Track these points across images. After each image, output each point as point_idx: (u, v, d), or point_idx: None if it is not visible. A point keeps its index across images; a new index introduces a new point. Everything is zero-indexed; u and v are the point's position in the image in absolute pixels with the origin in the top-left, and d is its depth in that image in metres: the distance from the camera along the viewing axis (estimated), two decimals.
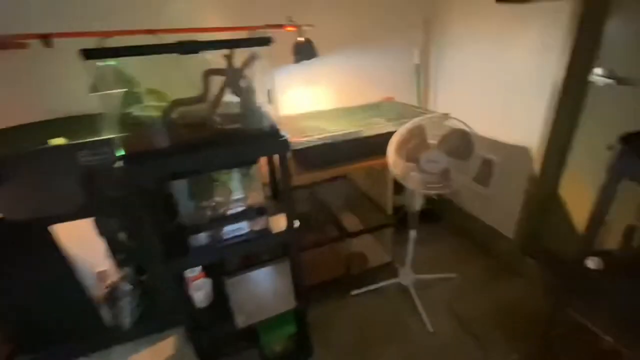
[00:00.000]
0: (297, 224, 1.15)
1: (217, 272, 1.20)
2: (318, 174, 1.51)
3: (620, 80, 1.27)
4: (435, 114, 1.54)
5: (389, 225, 1.81)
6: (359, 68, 1.96)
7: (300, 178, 1.45)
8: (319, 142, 1.39)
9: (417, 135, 1.29)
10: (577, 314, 1.10)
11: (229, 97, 1.02)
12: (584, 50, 1.34)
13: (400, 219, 1.84)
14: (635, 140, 0.92)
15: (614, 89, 1.29)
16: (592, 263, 1.00)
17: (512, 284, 1.78)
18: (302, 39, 1.52)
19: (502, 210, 1.87)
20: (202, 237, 1.05)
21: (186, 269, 1.14)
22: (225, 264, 1.25)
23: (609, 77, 1.28)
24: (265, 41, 0.90)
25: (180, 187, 0.99)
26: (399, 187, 1.62)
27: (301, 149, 1.37)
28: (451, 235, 2.19)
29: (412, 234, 1.65)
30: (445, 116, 1.39)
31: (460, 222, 2.20)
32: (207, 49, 0.95)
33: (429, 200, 2.20)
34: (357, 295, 1.78)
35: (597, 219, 1.00)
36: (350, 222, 1.95)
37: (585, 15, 1.28)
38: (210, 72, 0.99)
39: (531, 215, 1.72)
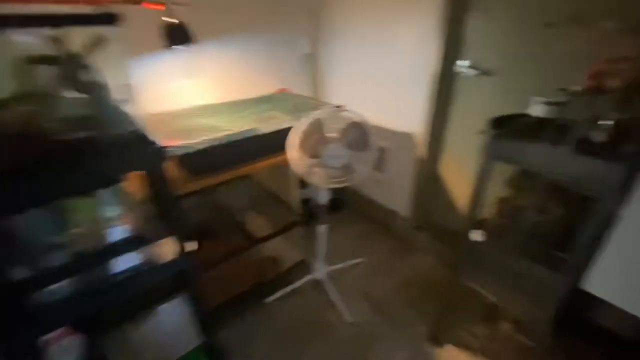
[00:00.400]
0: (192, 246, 0.96)
1: (93, 325, 0.92)
2: (214, 178, 1.31)
3: (483, 72, 1.46)
4: (331, 106, 1.52)
5: (298, 223, 1.75)
6: (247, 57, 1.79)
7: (193, 185, 1.24)
8: (210, 144, 1.19)
9: (316, 130, 1.23)
10: (468, 279, 1.24)
11: (73, 95, 0.75)
12: (452, 44, 1.49)
13: (309, 214, 1.80)
14: (501, 125, 1.05)
15: (479, 80, 1.49)
16: (476, 235, 1.13)
17: (413, 259, 1.95)
18: (172, 20, 1.27)
19: (397, 193, 2.02)
20: (56, 289, 0.77)
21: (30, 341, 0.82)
22: (102, 313, 0.97)
23: (473, 68, 1.46)
24: (109, 19, 0.66)
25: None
26: (304, 181, 1.56)
27: (189, 153, 1.15)
28: (355, 221, 2.28)
29: (322, 228, 1.63)
30: (341, 108, 1.37)
31: (362, 207, 2.30)
32: (22, 27, 0.67)
33: (333, 190, 2.22)
34: (272, 302, 1.68)
35: (477, 195, 1.12)
36: (258, 224, 1.81)
37: (450, 10, 1.42)
38: (33, 60, 0.70)
39: (420, 195, 1.90)
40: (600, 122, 0.87)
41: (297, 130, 1.20)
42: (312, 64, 2.02)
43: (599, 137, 0.88)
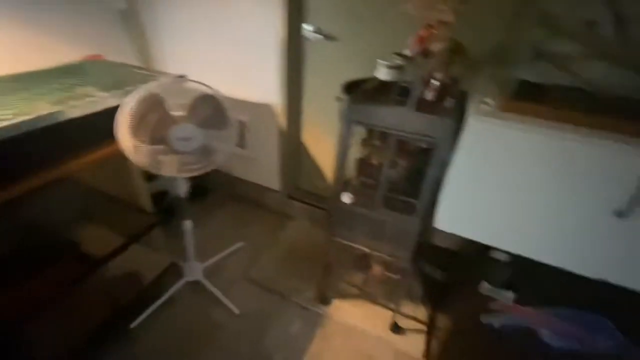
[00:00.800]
0: None
1: None
2: (10, 189, 0.89)
3: (328, 36, 1.47)
4: (170, 77, 1.24)
5: (154, 224, 1.45)
6: (35, 13, 1.25)
7: None
8: None
9: (154, 108, 0.98)
10: (341, 237, 1.31)
11: None
12: (294, 7, 1.42)
13: (166, 210, 1.52)
14: (353, 90, 1.08)
15: (326, 45, 1.49)
16: (346, 198, 1.18)
17: (291, 229, 1.96)
18: None
19: (264, 167, 1.94)
20: None
21: None
22: None
23: (318, 33, 1.45)
24: None
25: None
26: (152, 173, 1.26)
27: None
28: (225, 205, 2.11)
29: (187, 224, 1.40)
30: (182, 79, 1.13)
31: (230, 188, 2.13)
32: None
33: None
34: (141, 323, 1.39)
35: (340, 160, 1.16)
36: (99, 238, 1.41)
37: None
38: None
39: (288, 166, 1.89)
40: (431, 82, 1.00)
41: (125, 110, 0.92)
42: (132, 23, 1.60)
43: (430, 95, 1.01)
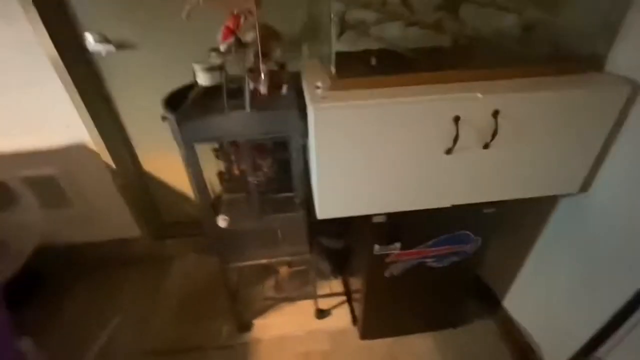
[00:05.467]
0: None
1: None
2: None
3: (120, 45, 1.19)
4: None
5: None
6: None
7: None
8: None
9: None
10: (232, 260, 1.20)
11: None
12: (55, 16, 1.08)
13: None
14: (177, 103, 0.91)
15: (125, 56, 1.21)
16: (222, 222, 1.05)
17: (173, 271, 1.69)
18: None
19: (108, 217, 1.55)
20: None
21: None
22: None
23: (106, 43, 1.15)
24: None
25: None
26: None
27: None
28: (78, 281, 1.64)
29: (27, 342, 1.01)
30: None
31: (76, 259, 1.65)
32: None
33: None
34: None
35: (198, 185, 1.00)
36: None
37: None
38: None
39: (138, 204, 1.57)
40: (260, 74, 0.92)
41: None
42: None
43: (263, 89, 0.95)
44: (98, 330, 1.41)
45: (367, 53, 0.93)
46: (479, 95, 0.73)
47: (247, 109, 0.85)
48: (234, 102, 0.89)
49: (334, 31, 0.77)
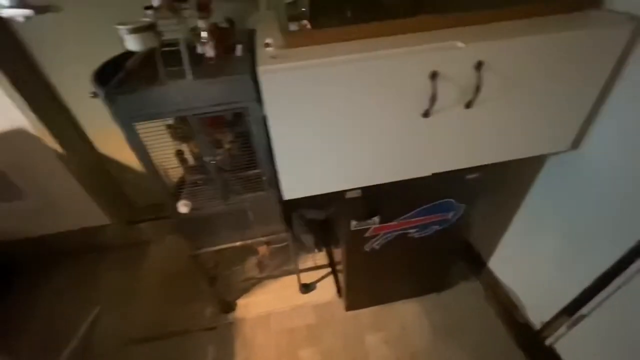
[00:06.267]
0: None
1: None
2: None
3: (40, 9, 0.99)
4: None
5: None
6: None
7: None
8: None
9: None
10: (209, 246, 1.12)
11: None
12: None
13: None
14: (110, 76, 0.77)
15: (48, 20, 1.02)
16: (183, 208, 0.95)
17: (151, 256, 1.62)
18: None
19: (71, 206, 1.44)
20: None
21: None
22: None
23: (19, 7, 0.96)
24: None
25: None
26: None
27: None
28: (50, 275, 1.56)
29: None
30: None
31: (45, 252, 1.56)
32: None
33: None
34: None
35: (150, 169, 0.89)
36: None
37: None
38: None
39: (103, 189, 1.45)
40: (201, 35, 0.78)
41: None
42: None
43: (209, 51, 0.80)
44: (76, 323, 1.35)
45: (334, 1, 0.78)
46: (460, 44, 0.61)
47: (188, 77, 0.72)
48: (175, 71, 0.75)
49: None
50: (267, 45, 0.65)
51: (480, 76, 0.64)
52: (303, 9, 0.68)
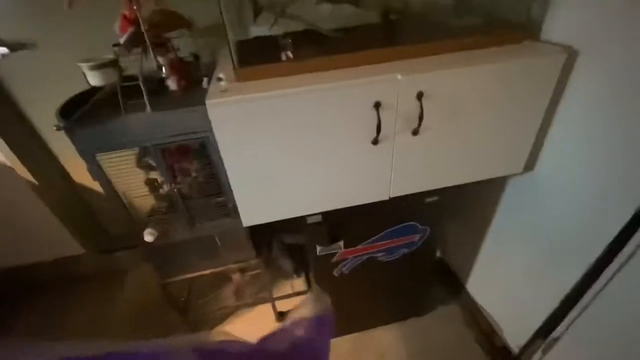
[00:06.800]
0: None
1: None
2: None
3: (15, 46, 1.04)
4: None
5: None
6: None
7: None
8: None
9: None
10: (177, 275, 1.11)
11: None
12: None
13: None
14: (73, 111, 0.79)
15: (23, 56, 1.06)
16: (148, 237, 0.95)
17: (126, 285, 1.58)
18: None
19: (45, 236, 1.42)
20: None
21: None
22: None
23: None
24: None
25: None
26: None
27: None
28: (20, 308, 1.51)
29: None
30: None
31: (21, 284, 1.52)
32: None
33: None
34: None
35: (115, 199, 0.90)
36: None
37: None
38: None
39: (75, 218, 1.44)
40: (163, 70, 0.81)
41: None
42: None
43: (172, 84, 0.84)
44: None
45: (285, 36, 0.82)
46: (399, 76, 0.65)
47: (147, 109, 0.74)
48: (138, 103, 0.78)
49: (225, 11, 0.66)
50: (220, 79, 0.68)
51: (421, 105, 0.67)
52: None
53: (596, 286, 0.81)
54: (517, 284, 1.08)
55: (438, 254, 1.47)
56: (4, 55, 1.03)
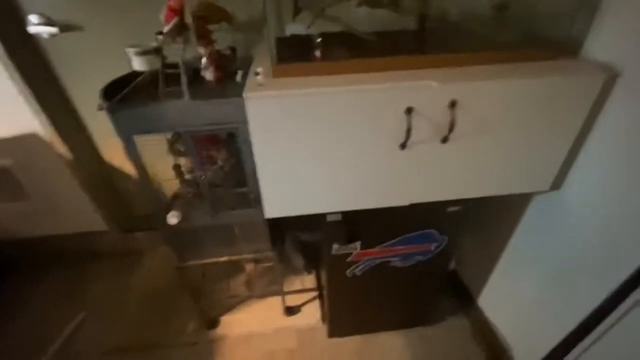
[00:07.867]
0: None
1: None
2: None
3: (65, 27, 1.10)
4: None
5: None
6: None
7: None
8: None
9: None
10: (195, 260, 1.14)
11: None
12: None
13: None
14: (117, 92, 0.83)
15: (70, 37, 1.12)
16: (173, 219, 0.99)
17: (142, 266, 1.64)
18: None
19: (71, 210, 1.49)
20: None
21: None
22: None
23: (49, 25, 1.07)
24: None
25: None
26: None
27: None
28: (44, 275, 1.59)
29: None
30: None
31: (43, 254, 1.60)
32: None
33: None
34: None
35: (144, 180, 0.93)
36: None
37: None
38: None
39: (103, 196, 1.51)
40: (203, 60, 0.84)
41: None
42: None
43: (208, 75, 0.87)
44: (61, 327, 1.36)
45: (322, 37, 0.84)
46: (433, 83, 0.66)
47: (185, 97, 0.78)
48: (176, 91, 0.81)
49: (269, 9, 0.68)
50: (257, 74, 0.71)
51: (454, 114, 0.68)
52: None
53: (613, 316, 0.79)
54: (530, 304, 1.06)
55: (452, 265, 1.46)
56: (53, 35, 1.09)
